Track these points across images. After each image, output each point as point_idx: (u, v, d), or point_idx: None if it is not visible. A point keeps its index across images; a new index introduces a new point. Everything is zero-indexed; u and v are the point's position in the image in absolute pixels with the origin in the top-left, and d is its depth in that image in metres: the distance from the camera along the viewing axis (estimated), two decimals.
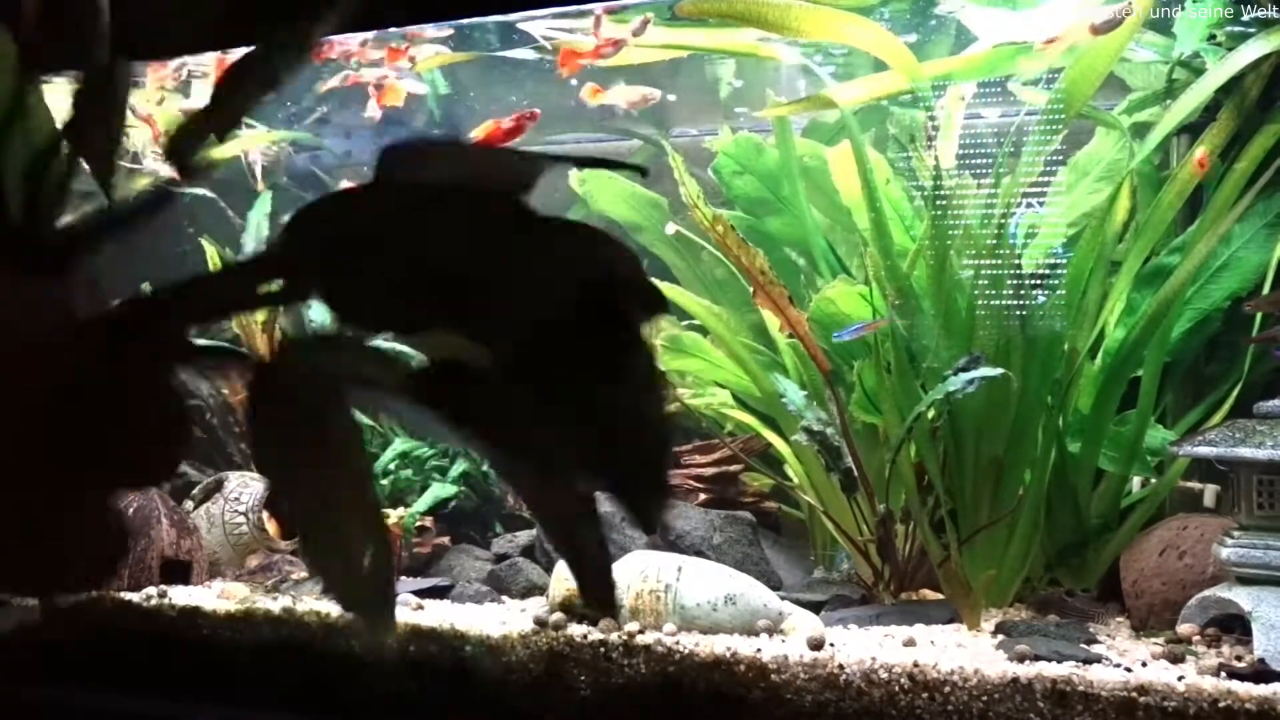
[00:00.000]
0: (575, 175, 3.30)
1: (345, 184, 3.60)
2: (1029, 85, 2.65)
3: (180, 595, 2.69)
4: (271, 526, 3.25)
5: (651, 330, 2.87)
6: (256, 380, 0.64)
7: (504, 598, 2.74)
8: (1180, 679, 1.81)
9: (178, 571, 2.87)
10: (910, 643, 2.15)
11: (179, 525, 2.91)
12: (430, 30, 3.29)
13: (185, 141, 0.76)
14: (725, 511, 2.91)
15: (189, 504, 3.27)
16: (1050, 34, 2.41)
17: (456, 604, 2.65)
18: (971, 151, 2.61)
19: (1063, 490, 2.62)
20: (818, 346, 2.58)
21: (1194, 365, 2.78)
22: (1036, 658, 1.98)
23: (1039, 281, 2.58)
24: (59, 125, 0.75)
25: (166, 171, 3.94)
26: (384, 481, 3.29)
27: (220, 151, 3.87)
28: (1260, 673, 1.86)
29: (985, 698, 1.89)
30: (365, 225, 0.60)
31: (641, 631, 2.17)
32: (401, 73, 3.59)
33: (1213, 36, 2.55)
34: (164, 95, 3.64)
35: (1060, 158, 2.63)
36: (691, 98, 3.55)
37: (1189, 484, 2.70)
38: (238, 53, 0.79)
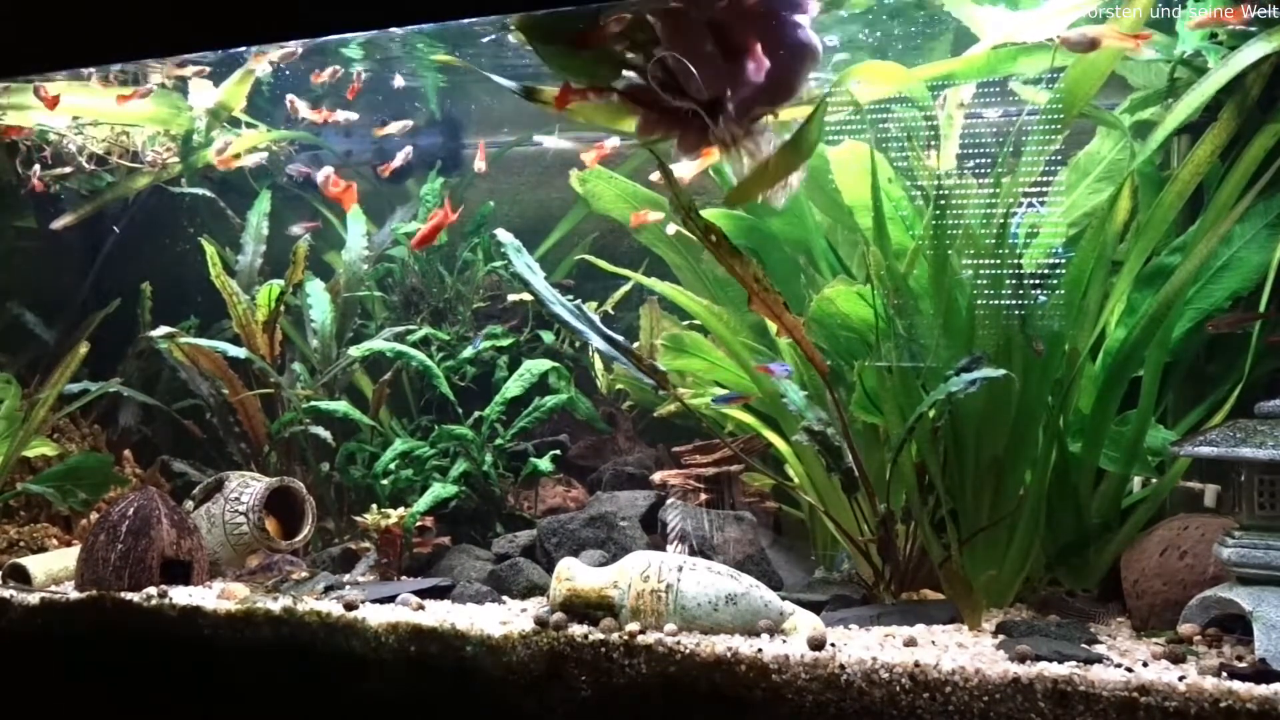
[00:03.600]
0: (576, 175, 3.30)
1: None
2: (1030, 85, 2.65)
3: (180, 595, 2.69)
4: (271, 526, 3.25)
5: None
6: None
7: (505, 598, 2.74)
8: (1181, 679, 1.81)
9: (178, 571, 2.87)
10: (911, 643, 2.15)
11: (179, 525, 2.91)
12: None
13: None
14: (726, 511, 2.91)
15: (189, 504, 3.27)
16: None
17: (457, 604, 2.65)
18: (973, 151, 2.61)
19: (1063, 490, 2.62)
20: (815, 349, 2.58)
21: (1195, 365, 2.78)
22: (1037, 658, 1.97)
23: (1039, 281, 2.57)
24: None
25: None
26: (384, 481, 3.28)
27: (217, 156, 3.87)
28: (1261, 673, 1.86)
29: (986, 698, 1.88)
30: None
31: (642, 631, 2.17)
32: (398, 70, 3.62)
33: (1214, 35, 2.55)
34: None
35: (1061, 157, 2.62)
36: None
37: (1190, 484, 2.69)
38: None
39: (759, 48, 1.84)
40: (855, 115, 2.67)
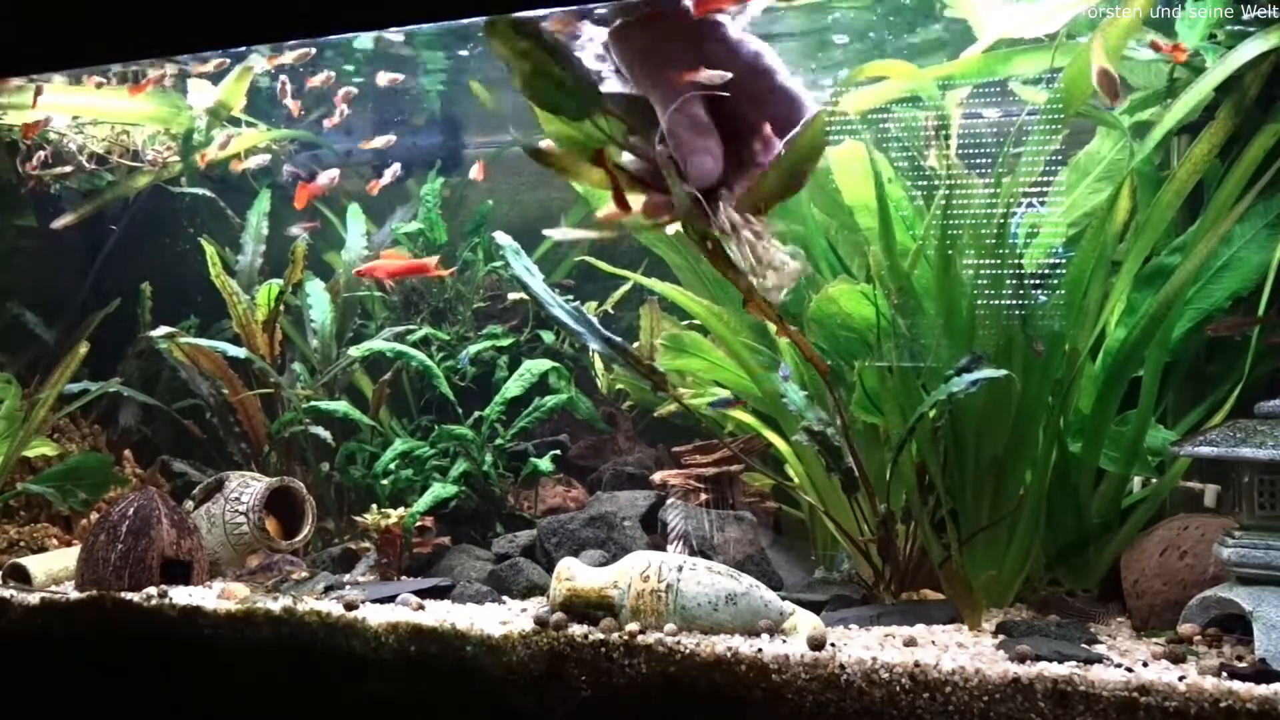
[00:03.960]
0: None
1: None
2: (1030, 84, 2.65)
3: (180, 595, 2.69)
4: (271, 526, 3.25)
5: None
6: None
7: (504, 598, 2.74)
8: (1181, 679, 1.81)
9: (178, 571, 2.87)
10: (911, 642, 2.15)
11: (179, 525, 2.91)
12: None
13: None
14: (726, 511, 2.91)
15: (189, 504, 3.27)
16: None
17: (457, 604, 2.65)
18: (971, 150, 2.61)
19: (1064, 490, 2.62)
20: (814, 349, 2.58)
21: (1195, 365, 2.78)
22: (1037, 658, 1.97)
23: (1040, 281, 2.57)
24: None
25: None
26: (384, 481, 3.28)
27: (219, 151, 3.87)
28: (1261, 672, 1.86)
29: (986, 698, 1.88)
30: None
31: (642, 631, 2.17)
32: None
33: (1213, 35, 2.55)
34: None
35: (1061, 157, 2.62)
36: None
37: (1190, 484, 2.69)
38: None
39: (766, 131, 1.77)
40: (859, 114, 2.67)
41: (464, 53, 3.59)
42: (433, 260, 3.45)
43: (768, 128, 1.75)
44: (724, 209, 1.73)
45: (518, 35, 1.65)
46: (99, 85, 3.47)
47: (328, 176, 3.63)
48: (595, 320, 2.62)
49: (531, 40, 1.65)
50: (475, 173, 3.77)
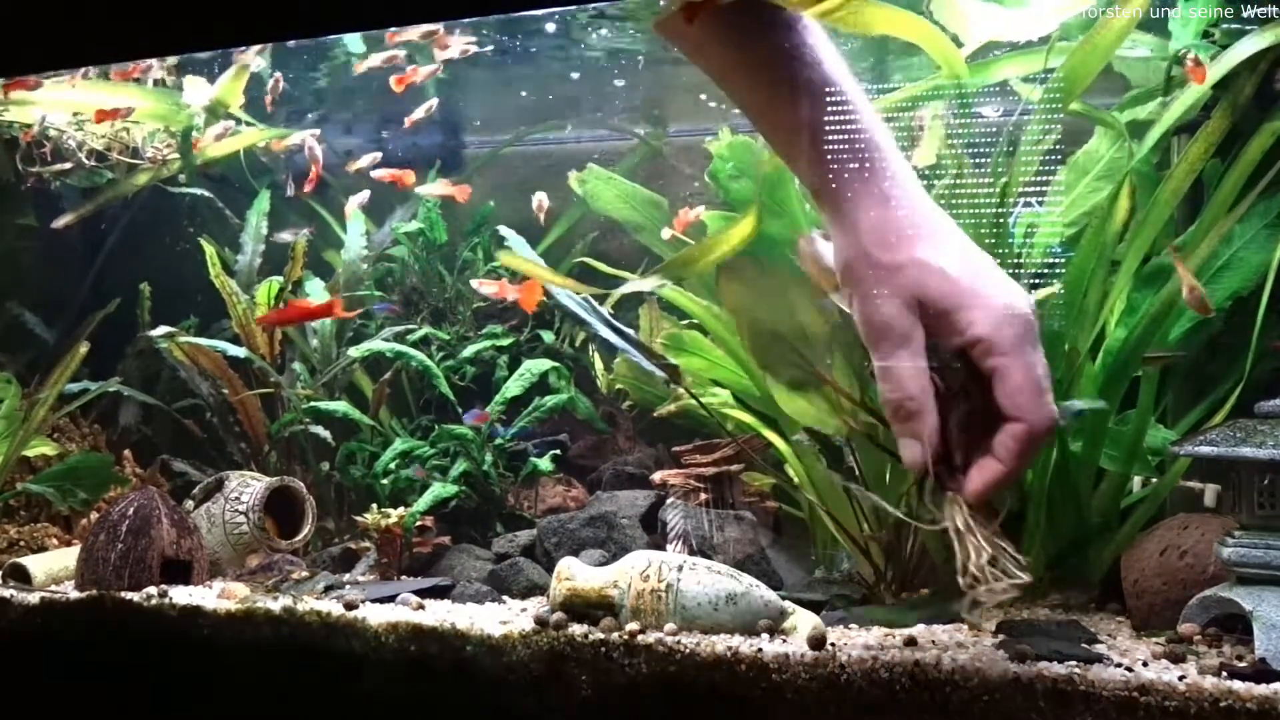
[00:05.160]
0: (574, 175, 3.30)
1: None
2: (1028, 82, 2.64)
3: (180, 595, 2.69)
4: (271, 526, 3.25)
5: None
6: None
7: (505, 597, 2.74)
8: (1181, 679, 1.81)
9: (178, 571, 2.87)
10: (911, 642, 2.15)
11: (179, 525, 2.91)
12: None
13: None
14: (726, 511, 2.91)
15: (189, 504, 3.27)
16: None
17: (457, 604, 2.65)
18: (971, 149, 2.60)
19: (1064, 490, 2.62)
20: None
21: (1195, 365, 2.78)
22: (1037, 657, 1.97)
23: (1039, 281, 2.57)
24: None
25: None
26: (384, 481, 3.28)
27: (217, 150, 3.88)
28: (1261, 672, 1.86)
29: (986, 697, 1.88)
30: None
31: (642, 631, 2.17)
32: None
33: (1208, 33, 2.55)
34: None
35: (1059, 156, 2.62)
36: (691, 95, 3.56)
37: (1190, 484, 2.69)
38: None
39: (1009, 401, 1.41)
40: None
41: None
42: (338, 301, 3.36)
43: (1007, 392, 1.40)
44: (955, 505, 1.46)
45: (732, 276, 1.55)
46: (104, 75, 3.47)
47: (308, 143, 3.61)
48: (606, 312, 2.63)
49: (742, 281, 1.55)
50: (458, 193, 3.69)
